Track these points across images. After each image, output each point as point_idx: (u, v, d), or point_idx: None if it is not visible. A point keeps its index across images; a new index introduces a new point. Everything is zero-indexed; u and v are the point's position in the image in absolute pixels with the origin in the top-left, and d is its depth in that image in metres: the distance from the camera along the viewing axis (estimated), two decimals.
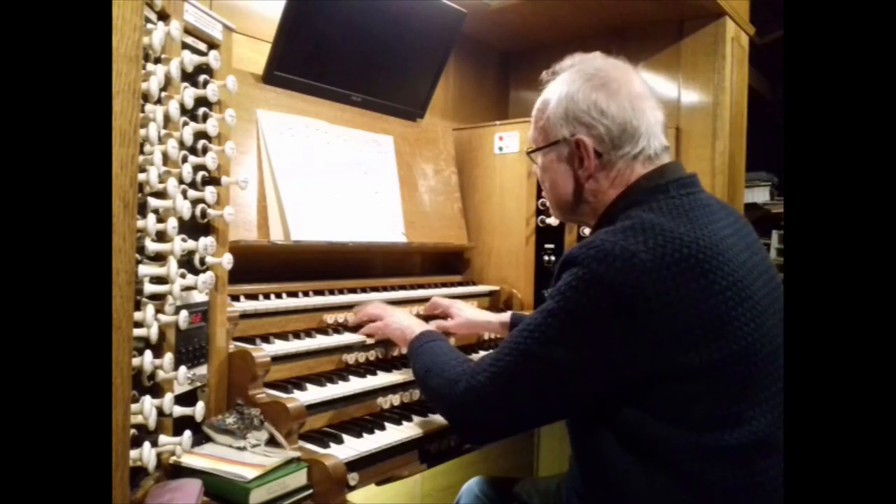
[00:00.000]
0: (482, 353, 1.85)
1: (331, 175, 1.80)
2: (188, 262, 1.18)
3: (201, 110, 1.23)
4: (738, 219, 1.17)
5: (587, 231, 1.57)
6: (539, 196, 2.12)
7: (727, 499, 0.99)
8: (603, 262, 0.98)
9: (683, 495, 1.00)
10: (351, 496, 1.22)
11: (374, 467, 1.32)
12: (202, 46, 1.25)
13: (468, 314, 1.79)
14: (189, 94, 1.15)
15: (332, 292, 1.72)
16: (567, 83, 1.19)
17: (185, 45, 1.18)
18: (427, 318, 1.82)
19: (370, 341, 1.60)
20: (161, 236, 1.05)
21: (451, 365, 1.21)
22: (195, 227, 1.20)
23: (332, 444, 1.29)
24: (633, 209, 1.10)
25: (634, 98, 1.15)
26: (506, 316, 1.79)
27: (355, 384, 1.47)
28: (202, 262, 1.20)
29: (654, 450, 1.00)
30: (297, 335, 1.53)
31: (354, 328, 1.63)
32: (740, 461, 0.99)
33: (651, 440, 1.00)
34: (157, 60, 1.07)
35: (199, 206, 1.19)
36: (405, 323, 1.52)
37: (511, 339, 1.10)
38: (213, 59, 1.20)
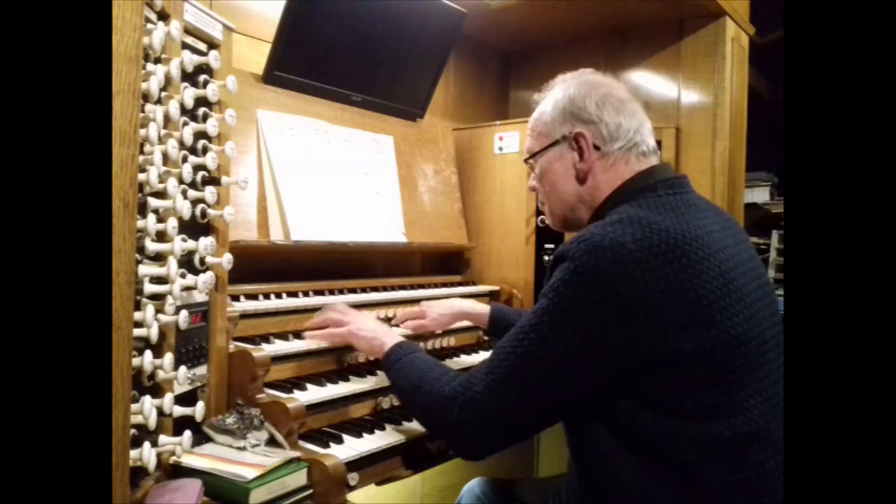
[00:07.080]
0: (482, 354, 1.86)
1: (331, 175, 1.80)
2: (188, 262, 1.18)
3: (201, 110, 1.23)
4: (728, 219, 1.21)
5: None
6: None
7: (722, 492, 0.99)
8: (592, 254, 1.01)
9: (678, 489, 1.00)
10: (351, 496, 1.22)
11: (374, 467, 1.32)
12: (202, 46, 1.25)
13: (438, 309, 1.72)
14: (189, 94, 1.14)
15: (332, 292, 1.72)
16: (562, 90, 1.27)
17: (185, 45, 1.18)
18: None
19: (324, 345, 1.49)
20: (161, 236, 1.04)
21: (441, 381, 1.16)
22: (195, 227, 1.20)
23: (332, 444, 1.29)
24: (622, 206, 1.14)
25: (625, 101, 1.23)
26: (486, 308, 1.74)
27: (355, 384, 1.47)
28: (202, 262, 1.20)
29: (650, 442, 1.01)
30: (297, 335, 1.53)
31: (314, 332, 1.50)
32: (734, 453, 1.00)
33: (646, 432, 1.01)
34: (157, 60, 1.07)
35: (199, 206, 1.19)
36: (372, 332, 1.42)
37: (506, 344, 1.08)
38: (213, 59, 1.19)
